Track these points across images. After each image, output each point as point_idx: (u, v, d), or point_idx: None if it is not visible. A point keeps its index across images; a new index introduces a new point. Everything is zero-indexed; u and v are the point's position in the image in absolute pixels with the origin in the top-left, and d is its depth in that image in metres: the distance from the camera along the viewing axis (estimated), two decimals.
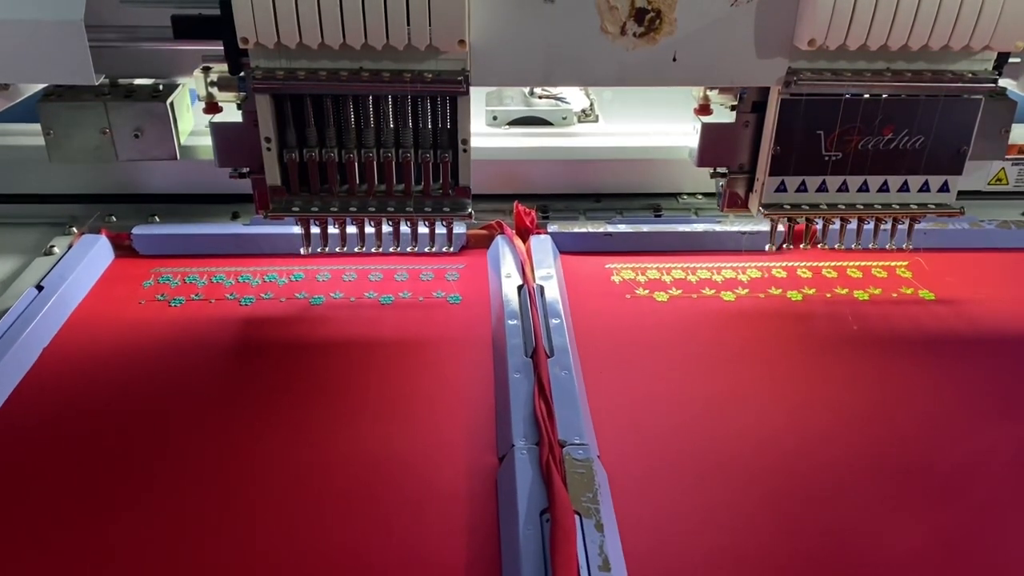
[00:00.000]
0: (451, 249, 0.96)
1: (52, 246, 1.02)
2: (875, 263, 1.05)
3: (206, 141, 0.98)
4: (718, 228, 1.08)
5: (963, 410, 0.80)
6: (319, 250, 0.94)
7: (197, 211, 1.13)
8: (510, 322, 0.88)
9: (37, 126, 1.10)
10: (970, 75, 0.81)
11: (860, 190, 0.88)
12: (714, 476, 0.71)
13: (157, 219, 1.10)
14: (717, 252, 1.07)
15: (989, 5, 0.75)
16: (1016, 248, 1.10)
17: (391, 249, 0.92)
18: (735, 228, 1.07)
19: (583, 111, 1.24)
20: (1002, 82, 0.91)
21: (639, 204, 1.18)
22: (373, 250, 0.92)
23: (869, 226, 0.94)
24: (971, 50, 0.79)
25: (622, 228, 1.08)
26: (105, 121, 0.94)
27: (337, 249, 0.93)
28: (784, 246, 0.97)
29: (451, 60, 0.77)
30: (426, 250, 0.95)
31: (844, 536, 0.66)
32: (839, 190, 0.88)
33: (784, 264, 1.04)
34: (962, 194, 0.90)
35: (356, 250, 0.92)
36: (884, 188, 0.89)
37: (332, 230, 0.92)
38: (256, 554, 0.64)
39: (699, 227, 1.08)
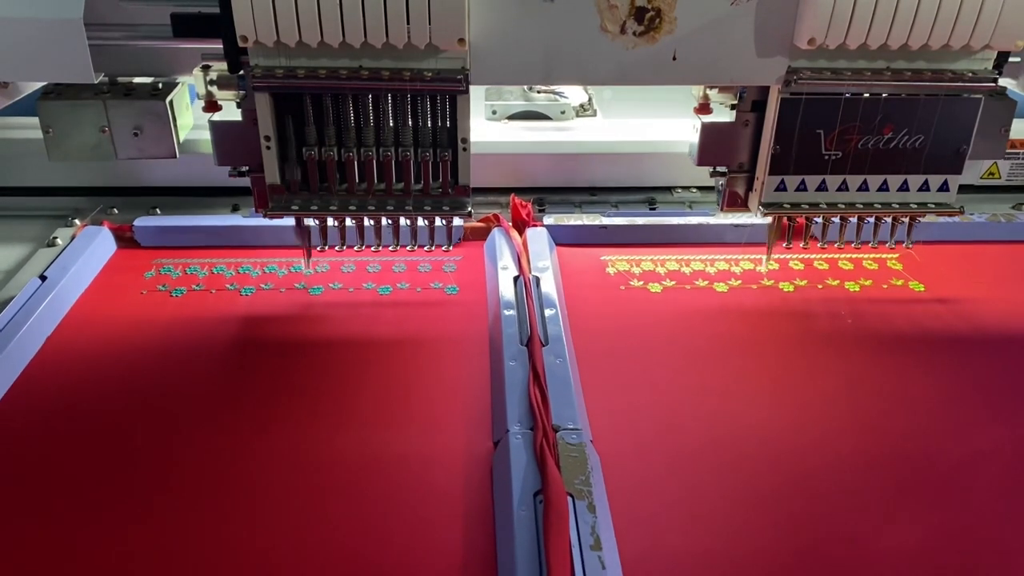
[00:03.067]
0: (448, 248, 0.97)
1: (55, 237, 1.04)
2: (866, 255, 1.06)
3: (207, 135, 0.98)
4: (712, 221, 1.09)
5: (957, 404, 0.80)
6: (318, 248, 0.95)
7: (198, 203, 1.14)
8: (506, 312, 0.89)
9: (36, 120, 1.10)
10: (970, 74, 0.81)
11: (860, 189, 0.88)
12: (703, 461, 0.73)
13: (158, 211, 1.12)
14: (711, 244, 1.08)
15: (989, 4, 0.75)
16: (1005, 241, 1.11)
17: (391, 248, 0.92)
18: (728, 221, 1.08)
19: (581, 106, 1.24)
20: (1002, 81, 0.90)
21: (634, 197, 1.19)
22: (372, 248, 0.92)
23: (869, 225, 0.94)
24: (971, 49, 0.79)
25: (617, 221, 1.09)
26: (104, 119, 0.93)
27: (336, 247, 0.93)
28: (784, 245, 0.97)
29: (451, 59, 0.77)
30: (425, 248, 0.95)
31: (832, 519, 0.66)
32: (839, 189, 0.88)
33: (776, 256, 1.04)
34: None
35: (356, 248, 0.93)
36: (884, 187, 0.89)
37: (331, 223, 0.92)
38: (256, 533, 0.64)
39: (693, 220, 1.10)
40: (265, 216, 0.85)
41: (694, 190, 1.20)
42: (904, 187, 0.89)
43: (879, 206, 0.89)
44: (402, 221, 0.91)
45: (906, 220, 0.93)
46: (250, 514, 0.67)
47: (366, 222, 0.91)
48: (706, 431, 0.76)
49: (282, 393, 0.80)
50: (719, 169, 0.93)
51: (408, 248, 0.93)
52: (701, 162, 0.92)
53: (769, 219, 0.97)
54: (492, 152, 1.15)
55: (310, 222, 0.93)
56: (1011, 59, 0.83)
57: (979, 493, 0.70)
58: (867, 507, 0.68)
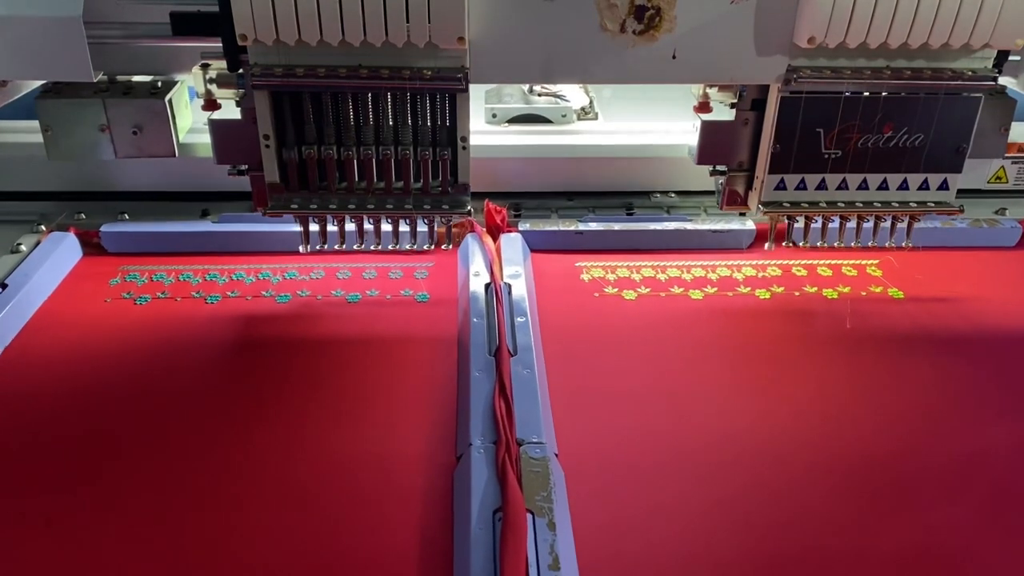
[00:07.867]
0: (448, 246, 0.96)
1: (19, 244, 1.01)
2: (845, 261, 1.05)
3: (205, 139, 0.98)
4: (689, 226, 1.08)
5: (930, 410, 0.79)
6: (318, 248, 0.94)
7: (167, 208, 1.11)
8: (475, 320, 0.87)
9: (8, 123, 1.08)
10: (970, 73, 0.81)
11: (859, 188, 0.88)
12: (674, 476, 0.71)
13: (126, 217, 1.09)
14: (688, 251, 1.07)
15: (989, 3, 0.75)
16: (988, 247, 1.09)
17: (390, 247, 0.92)
18: (706, 226, 1.07)
19: (582, 109, 1.23)
20: (1002, 80, 0.91)
21: (611, 202, 1.17)
22: (372, 247, 0.92)
23: (868, 224, 0.94)
24: (971, 48, 0.79)
25: (593, 226, 1.08)
26: (103, 118, 0.93)
27: (335, 247, 0.93)
28: (784, 244, 0.97)
29: (450, 57, 0.77)
30: (425, 247, 0.95)
31: (805, 537, 0.65)
32: (838, 188, 0.88)
33: (754, 262, 1.03)
34: (962, 191, 0.90)
35: (355, 247, 0.92)
36: (883, 186, 0.88)
37: (330, 227, 0.92)
38: (212, 539, 0.64)
39: (670, 225, 1.08)
40: (264, 215, 0.85)
41: (672, 194, 1.19)
42: (904, 186, 0.89)
43: (879, 205, 0.89)
44: (402, 225, 0.90)
45: (906, 220, 0.93)
46: (206, 519, 0.66)
47: (366, 224, 0.90)
48: (676, 442, 0.75)
49: (245, 402, 0.79)
50: (719, 168, 0.93)
51: (409, 248, 0.92)
52: (701, 161, 0.92)
53: (754, 222, 0.97)
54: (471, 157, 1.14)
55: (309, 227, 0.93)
56: (1011, 58, 0.83)
57: (959, 501, 0.69)
58: (838, 516, 0.67)
